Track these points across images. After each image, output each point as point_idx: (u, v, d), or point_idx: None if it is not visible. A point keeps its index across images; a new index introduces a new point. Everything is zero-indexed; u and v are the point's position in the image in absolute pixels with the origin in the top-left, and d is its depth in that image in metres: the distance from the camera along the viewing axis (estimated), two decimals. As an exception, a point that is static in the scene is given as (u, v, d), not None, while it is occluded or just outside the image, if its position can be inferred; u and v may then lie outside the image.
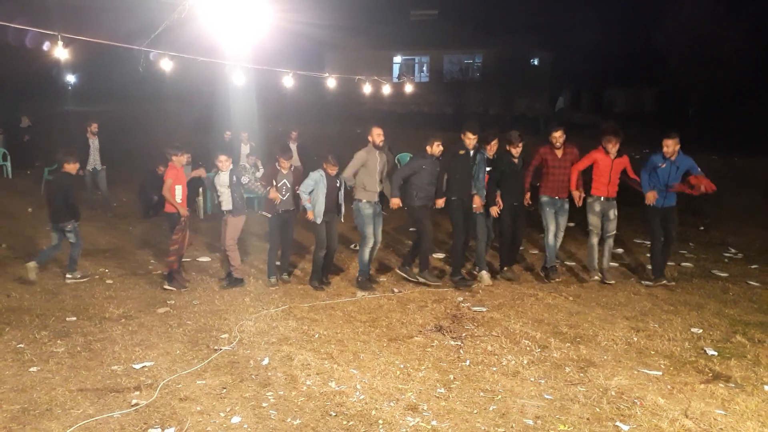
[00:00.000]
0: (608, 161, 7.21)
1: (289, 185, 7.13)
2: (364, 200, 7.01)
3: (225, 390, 4.47)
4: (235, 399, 4.33)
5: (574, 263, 8.28)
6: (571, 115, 28.74)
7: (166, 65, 7.55)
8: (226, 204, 6.91)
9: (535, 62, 30.11)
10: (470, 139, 7.01)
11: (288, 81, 10.48)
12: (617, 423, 4.05)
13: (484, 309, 6.40)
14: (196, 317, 6.07)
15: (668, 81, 28.17)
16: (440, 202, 7.15)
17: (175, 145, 7.09)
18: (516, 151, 7.22)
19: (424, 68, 32.56)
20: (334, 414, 4.11)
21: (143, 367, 4.87)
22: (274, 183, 7.05)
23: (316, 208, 6.91)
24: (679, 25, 26.59)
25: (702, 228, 10.70)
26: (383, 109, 23.26)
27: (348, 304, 6.52)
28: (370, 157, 7.04)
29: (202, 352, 5.19)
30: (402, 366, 4.93)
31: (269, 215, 7.16)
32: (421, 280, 7.15)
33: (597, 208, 7.29)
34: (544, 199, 7.40)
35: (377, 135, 7.06)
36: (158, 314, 6.16)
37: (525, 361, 5.08)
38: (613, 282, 7.29)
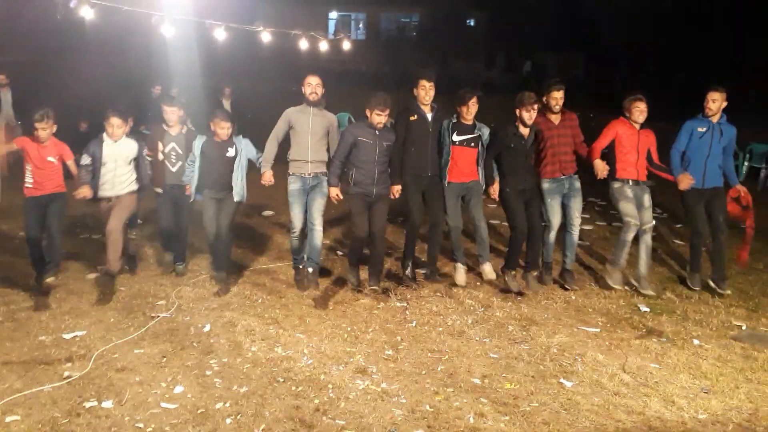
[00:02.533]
0: (634, 134, 5.72)
1: (180, 151, 5.68)
2: (290, 173, 5.52)
3: (165, 359, 4.29)
4: (177, 368, 4.16)
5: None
6: (504, 77, 29.04)
7: (87, 13, 6.98)
8: (120, 186, 5.45)
9: (471, 23, 30.13)
10: (425, 89, 5.49)
11: (220, 34, 9.95)
12: (561, 380, 4.17)
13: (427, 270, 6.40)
14: (130, 283, 5.78)
15: (597, 46, 28.84)
16: (396, 189, 5.57)
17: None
18: (528, 116, 5.50)
19: (360, 25, 31.97)
20: (281, 380, 4.02)
21: (74, 336, 4.60)
22: (161, 148, 5.68)
23: (191, 183, 5.55)
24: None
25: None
26: (320, 66, 22.52)
27: (290, 267, 6.34)
28: (298, 117, 5.43)
29: (138, 320, 4.95)
30: (349, 329, 4.89)
31: (159, 190, 5.82)
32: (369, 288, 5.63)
33: (629, 191, 5.71)
34: (546, 185, 5.79)
35: (307, 85, 5.40)
36: (88, 281, 5.83)
37: (469, 321, 5.14)
38: (653, 293, 5.81)
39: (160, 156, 5.69)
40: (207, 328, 4.82)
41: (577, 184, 5.91)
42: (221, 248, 5.66)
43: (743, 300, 5.89)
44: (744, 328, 5.22)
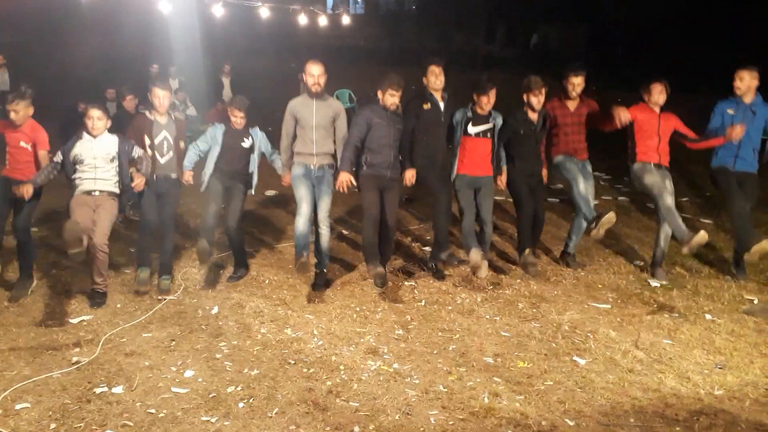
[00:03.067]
0: (654, 117, 5.47)
1: (171, 141, 5.17)
2: (295, 162, 5.19)
3: (174, 342, 4.24)
4: (186, 351, 4.12)
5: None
6: (505, 51, 28.68)
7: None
8: (102, 182, 4.90)
9: (471, -5, 29.64)
10: (436, 75, 5.18)
11: (218, 10, 9.80)
12: (574, 357, 4.13)
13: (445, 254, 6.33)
14: (135, 265, 5.71)
15: (599, 19, 28.39)
16: (410, 175, 5.21)
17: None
18: (536, 101, 5.31)
19: (359, 0, 31.50)
20: (293, 362, 3.98)
21: (81, 321, 4.55)
22: (147, 140, 5.11)
23: (203, 172, 5.25)
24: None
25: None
26: (318, 42, 22.39)
27: (296, 246, 6.31)
28: (302, 109, 5.08)
29: (145, 303, 4.90)
30: (358, 309, 4.84)
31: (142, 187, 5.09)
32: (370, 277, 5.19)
33: (652, 167, 5.46)
34: (559, 158, 5.63)
35: (309, 75, 5.02)
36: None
37: (479, 299, 5.10)
38: (665, 282, 5.57)
39: (149, 150, 5.11)
40: (215, 310, 4.77)
41: (590, 168, 5.74)
42: (235, 246, 5.46)
43: (754, 274, 5.83)
44: (756, 301, 5.18)
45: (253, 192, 5.47)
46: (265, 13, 10.80)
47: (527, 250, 5.36)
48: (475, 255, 5.11)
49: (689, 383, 3.85)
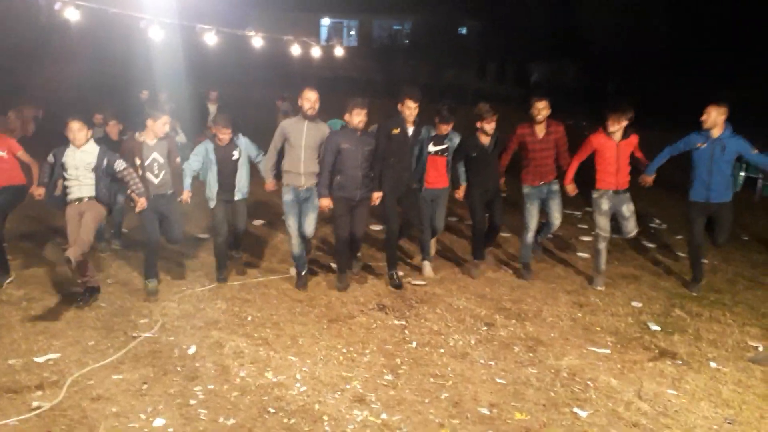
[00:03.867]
0: (613, 146, 5.82)
1: (162, 160, 5.41)
2: (285, 183, 5.62)
3: (146, 386, 3.94)
4: (158, 396, 3.82)
5: (509, 234, 8.15)
6: (496, 87, 28.92)
7: (72, 15, 6.64)
8: (87, 189, 5.15)
9: (464, 31, 30.01)
10: (410, 109, 5.66)
11: (210, 39, 9.64)
12: (575, 409, 3.87)
13: (424, 283, 6.12)
14: (111, 298, 5.44)
15: (590, 56, 28.81)
16: (376, 196, 5.74)
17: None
18: (489, 127, 5.91)
19: (353, 32, 31.76)
20: (272, 410, 3.69)
21: (47, 360, 4.25)
22: (138, 161, 5.33)
23: (207, 191, 5.68)
24: (600, 1, 27.14)
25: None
26: (311, 74, 22.43)
27: (282, 281, 6.05)
28: (294, 129, 5.51)
29: (118, 340, 4.61)
30: (345, 350, 4.57)
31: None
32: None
33: (605, 205, 5.93)
34: (526, 189, 6.15)
35: (306, 100, 5.49)
36: (66, 295, 5.47)
37: (473, 341, 4.84)
38: (602, 288, 6.16)
39: (139, 171, 5.33)
40: (192, 349, 4.48)
41: (556, 187, 6.20)
42: (239, 237, 6.09)
43: (755, 317, 5.63)
44: (760, 348, 4.96)
45: (245, 197, 5.89)
46: (258, 42, 10.67)
47: (477, 261, 6.39)
48: (427, 268, 6.26)
49: (698, 439, 3.60)
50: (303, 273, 5.84)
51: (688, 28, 24.67)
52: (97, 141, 5.84)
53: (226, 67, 18.63)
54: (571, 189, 6.15)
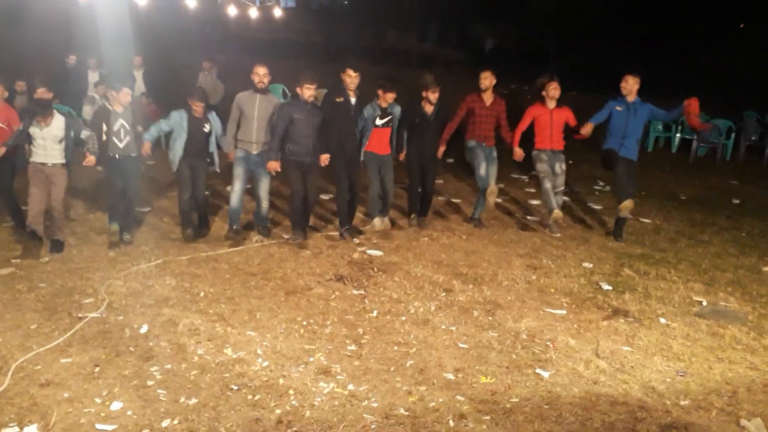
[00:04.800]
0: (547, 113, 6.65)
1: (128, 126, 5.83)
2: (238, 146, 6.09)
3: (98, 368, 3.74)
4: (113, 379, 3.63)
5: (459, 200, 8.19)
6: (438, 50, 28.73)
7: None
8: (57, 156, 5.62)
9: (405, -7, 29.51)
10: (351, 78, 6.10)
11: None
12: (537, 370, 3.94)
13: (380, 253, 6.07)
14: (50, 278, 5.13)
15: (529, 19, 28.96)
16: (324, 158, 6.15)
17: None
18: (433, 97, 6.43)
19: (291, -7, 30.74)
20: (235, 387, 3.58)
21: (-13, 346, 3.97)
22: (105, 126, 5.74)
23: (171, 154, 6.00)
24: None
25: (570, 162, 11.11)
26: (248, 36, 21.61)
27: (234, 254, 5.86)
28: (247, 102, 5.98)
29: (63, 322, 4.35)
30: (305, 323, 4.48)
31: (99, 168, 5.93)
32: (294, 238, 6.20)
33: (544, 156, 6.71)
34: (471, 143, 6.72)
35: (256, 74, 5.95)
36: (0, 276, 5.12)
37: (432, 308, 4.85)
38: (558, 235, 6.85)
39: (104, 136, 5.78)
40: (144, 329, 4.28)
41: (494, 154, 6.82)
42: (202, 210, 6.39)
43: (698, 274, 5.89)
44: (704, 303, 5.19)
45: (218, 170, 6.36)
46: (192, 3, 10.16)
47: (412, 215, 6.93)
48: (378, 222, 6.53)
49: (654, 393, 3.73)
50: (234, 227, 6.25)
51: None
52: (25, 109, 5.95)
53: (159, 30, 17.67)
54: (519, 153, 6.79)
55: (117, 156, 5.82)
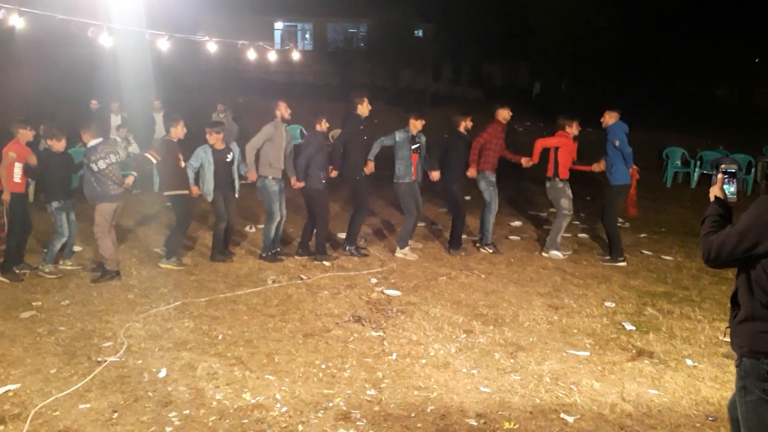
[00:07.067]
0: (572, 145, 7.23)
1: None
2: (270, 177, 6.72)
3: (116, 414, 3.72)
4: (131, 425, 3.60)
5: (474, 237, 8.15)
6: (451, 89, 29.06)
7: (17, 22, 6.30)
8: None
9: (419, 34, 30.06)
10: (366, 105, 7.06)
11: (163, 44, 9.33)
12: (562, 415, 3.83)
13: (399, 293, 6.03)
14: (70, 321, 5.15)
15: (541, 56, 29.27)
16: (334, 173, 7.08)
17: (20, 119, 6.24)
18: (469, 126, 7.37)
19: (307, 36, 31.45)
20: (254, 434, 3.53)
21: (7, 391, 3.96)
22: (181, 157, 6.61)
23: (205, 186, 6.60)
24: (550, 2, 27.60)
25: (588, 198, 11.06)
26: (267, 78, 22.07)
27: (251, 295, 5.86)
28: (277, 132, 6.73)
29: (82, 366, 4.35)
30: (324, 366, 4.42)
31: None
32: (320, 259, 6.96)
33: (569, 191, 7.24)
34: (493, 178, 7.40)
35: (285, 109, 6.80)
36: (22, 320, 5.16)
37: (453, 350, 4.77)
38: (563, 256, 7.44)
39: (182, 164, 6.59)
40: (163, 373, 4.26)
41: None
42: (228, 237, 7.02)
43: (723, 312, 5.74)
44: (732, 344, 5.04)
45: (236, 195, 6.87)
46: (212, 47, 10.40)
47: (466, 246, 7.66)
48: (411, 254, 7.20)
49: (685, 440, 3.61)
50: (271, 253, 6.93)
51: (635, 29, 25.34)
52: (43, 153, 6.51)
53: (180, 73, 18.12)
54: (527, 161, 7.51)
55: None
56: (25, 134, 6.18)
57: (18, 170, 6.05)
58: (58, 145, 6.23)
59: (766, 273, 2.43)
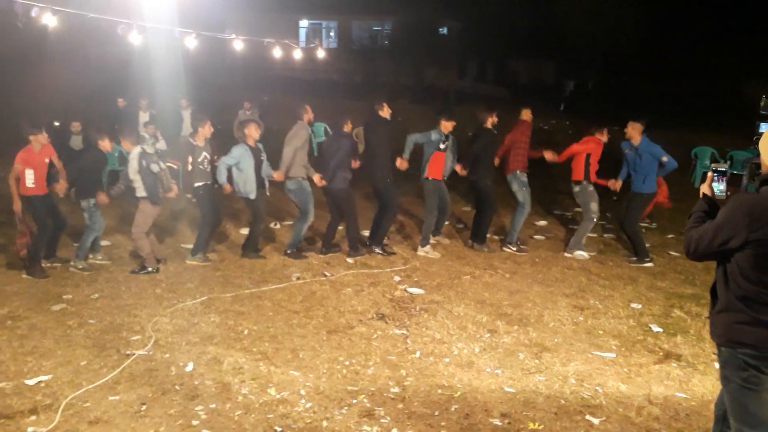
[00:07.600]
0: (601, 150, 7.31)
1: (209, 158, 6.70)
2: (301, 177, 6.87)
3: (145, 407, 3.79)
4: (159, 417, 3.67)
5: (501, 236, 8.10)
6: (476, 87, 28.92)
7: (50, 21, 6.43)
8: (139, 190, 6.23)
9: (444, 31, 29.95)
10: (385, 111, 7.16)
11: (190, 42, 9.45)
12: (587, 416, 3.80)
13: (422, 291, 6.03)
14: (100, 314, 5.26)
15: (568, 54, 29.00)
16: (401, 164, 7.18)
17: (32, 123, 6.18)
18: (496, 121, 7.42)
19: (332, 34, 31.55)
20: (279, 429, 3.56)
21: (39, 382, 4.06)
22: (190, 159, 6.53)
23: (247, 184, 6.63)
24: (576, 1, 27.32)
25: (615, 198, 10.91)
26: (291, 76, 22.19)
27: (276, 291, 5.91)
28: (305, 133, 7.01)
29: (111, 359, 4.43)
30: (347, 363, 4.45)
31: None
32: (350, 260, 6.93)
33: (596, 194, 7.31)
34: (525, 177, 7.46)
35: (310, 112, 7.09)
36: (53, 312, 5.28)
37: (477, 349, 4.76)
38: (587, 256, 7.39)
39: (189, 167, 6.57)
40: (190, 367, 4.33)
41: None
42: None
43: (754, 316, 5.63)
44: (763, 348, 4.94)
45: (267, 193, 6.95)
46: (239, 45, 10.48)
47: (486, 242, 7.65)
48: (432, 252, 7.22)
49: (713, 445, 3.54)
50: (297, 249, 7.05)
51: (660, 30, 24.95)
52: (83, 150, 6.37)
53: (207, 71, 18.31)
54: (552, 155, 7.56)
55: (206, 184, 6.56)
56: (38, 139, 6.10)
57: (30, 176, 6.04)
58: (107, 145, 6.43)
59: (740, 266, 2.56)
